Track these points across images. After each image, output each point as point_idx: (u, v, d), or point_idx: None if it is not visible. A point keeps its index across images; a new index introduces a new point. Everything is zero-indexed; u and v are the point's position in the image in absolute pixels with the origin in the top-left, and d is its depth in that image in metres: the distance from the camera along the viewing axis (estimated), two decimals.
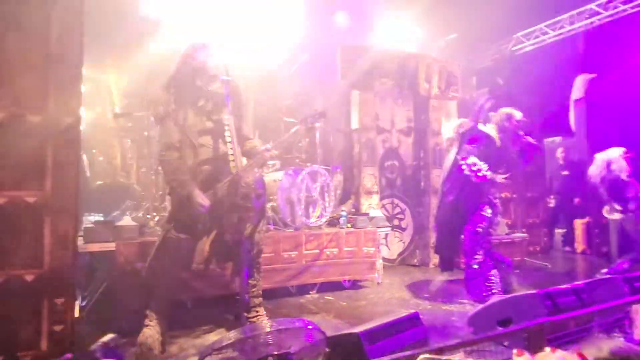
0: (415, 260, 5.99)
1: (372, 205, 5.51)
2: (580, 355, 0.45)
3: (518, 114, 4.02)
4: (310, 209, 4.57)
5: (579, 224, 7.09)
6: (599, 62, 6.89)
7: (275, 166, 5.09)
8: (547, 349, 0.48)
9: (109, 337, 1.50)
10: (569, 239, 7.31)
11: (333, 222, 4.80)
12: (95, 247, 3.43)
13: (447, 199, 4.18)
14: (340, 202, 5.37)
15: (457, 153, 4.13)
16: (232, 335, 1.45)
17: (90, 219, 4.44)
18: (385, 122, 5.99)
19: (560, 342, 2.43)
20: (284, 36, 6.00)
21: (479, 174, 3.79)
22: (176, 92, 2.77)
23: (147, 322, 2.63)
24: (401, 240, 6.02)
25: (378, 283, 4.72)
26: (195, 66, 2.78)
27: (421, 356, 0.52)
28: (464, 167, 3.85)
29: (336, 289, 4.44)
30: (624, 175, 4.76)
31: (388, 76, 5.83)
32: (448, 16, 6.39)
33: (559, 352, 0.46)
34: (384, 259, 5.43)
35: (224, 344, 1.39)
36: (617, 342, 0.77)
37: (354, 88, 5.69)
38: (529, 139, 4.00)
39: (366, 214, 4.97)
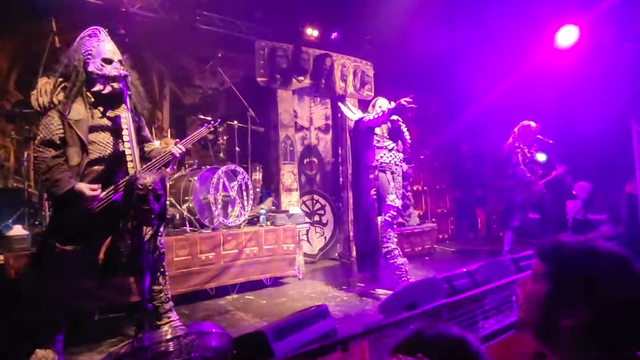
0: (337, 254, 6.19)
1: (291, 202, 5.57)
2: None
3: (381, 101, 4.36)
4: (229, 208, 4.50)
5: (480, 213, 7.84)
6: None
7: (192, 166, 4.92)
8: None
9: None
10: (472, 226, 8.05)
11: (253, 221, 4.79)
12: None
13: (366, 198, 4.30)
14: (259, 200, 5.36)
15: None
16: (125, 347, 1.40)
17: None
18: (303, 120, 6.08)
19: (459, 319, 2.70)
20: (200, 31, 5.82)
21: (377, 115, 4.02)
22: (65, 81, 2.54)
23: (40, 340, 2.40)
24: (322, 236, 6.18)
25: (299, 279, 4.81)
26: (87, 51, 2.57)
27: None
28: (366, 119, 4.09)
29: (257, 287, 4.44)
30: (513, 144, 5.22)
31: (305, 74, 5.92)
32: (363, 17, 6.64)
33: None
34: (306, 255, 5.53)
35: (115, 356, 1.34)
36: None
37: (271, 85, 5.69)
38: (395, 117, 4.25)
39: (286, 211, 5.02)
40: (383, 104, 4.27)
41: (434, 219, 7.06)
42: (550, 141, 5.30)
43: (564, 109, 6.13)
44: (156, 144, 3.04)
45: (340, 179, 6.32)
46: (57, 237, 2.45)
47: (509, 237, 5.30)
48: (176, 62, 6.34)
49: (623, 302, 0.86)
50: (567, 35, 6.24)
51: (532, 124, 5.27)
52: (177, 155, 2.73)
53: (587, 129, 5.95)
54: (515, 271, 3.52)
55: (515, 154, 5.20)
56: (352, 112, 4.59)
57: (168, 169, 4.28)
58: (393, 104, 3.95)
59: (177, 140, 2.81)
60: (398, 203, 4.19)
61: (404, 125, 4.26)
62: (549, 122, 5.67)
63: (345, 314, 3.58)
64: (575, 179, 5.78)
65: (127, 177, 2.36)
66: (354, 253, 5.89)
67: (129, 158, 2.42)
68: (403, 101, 3.75)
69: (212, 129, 2.93)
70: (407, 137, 4.30)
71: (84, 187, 2.41)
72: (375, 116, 4.01)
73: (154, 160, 2.68)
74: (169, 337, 1.54)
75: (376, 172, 4.17)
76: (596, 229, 5.83)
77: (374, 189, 4.16)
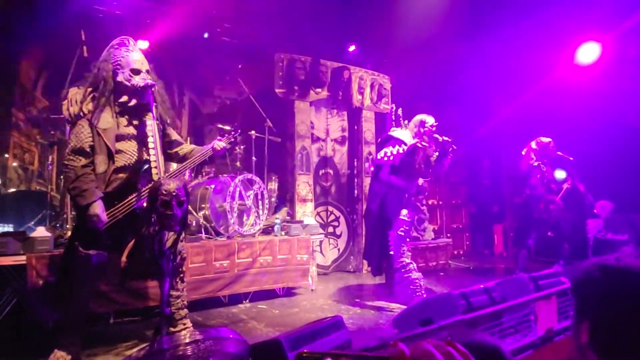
0: (350, 267, 6.14)
1: (306, 213, 5.57)
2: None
3: (430, 119, 4.19)
4: (244, 217, 4.54)
5: (497, 229, 7.71)
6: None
7: (209, 174, 4.99)
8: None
9: None
10: (488, 242, 7.92)
11: (267, 230, 4.80)
12: (3, 260, 3.14)
13: (370, 206, 4.36)
14: (274, 210, 5.39)
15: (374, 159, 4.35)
16: (144, 350, 1.41)
17: None
18: (320, 131, 6.12)
19: None
20: (220, 42, 5.95)
21: (390, 157, 3.90)
22: (98, 92, 2.62)
23: (59, 340, 2.44)
24: (336, 247, 6.15)
25: (312, 290, 4.79)
26: (116, 61, 2.65)
27: None
28: (379, 156, 3.98)
29: (270, 297, 4.44)
30: (533, 162, 5.14)
31: (323, 86, 5.97)
32: (381, 30, 6.69)
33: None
34: (319, 266, 5.51)
35: (135, 358, 1.35)
36: None
37: (289, 96, 5.76)
38: (445, 137, 4.17)
39: (300, 222, 5.03)
40: (432, 122, 4.18)
41: (449, 234, 6.98)
42: (571, 158, 5.22)
43: (585, 125, 6.03)
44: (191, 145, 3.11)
45: (356, 191, 6.31)
46: (81, 240, 2.51)
47: (523, 256, 5.20)
48: (196, 72, 6.49)
49: (620, 318, 0.85)
50: (588, 52, 6.18)
51: (550, 140, 5.21)
52: (219, 149, 2.82)
53: (609, 146, 5.84)
54: (534, 290, 3.44)
55: (535, 174, 5.13)
56: (395, 125, 4.44)
57: (186, 177, 4.36)
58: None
59: (219, 137, 2.89)
60: (409, 217, 4.17)
61: (453, 148, 4.20)
62: (570, 138, 5.59)
63: (358, 327, 3.54)
64: (596, 198, 5.66)
65: (151, 184, 2.41)
66: (367, 266, 5.85)
67: (153, 165, 2.47)
68: (444, 139, 4.02)
69: (232, 139, 3.03)
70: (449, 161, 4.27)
71: (96, 208, 2.43)
72: (395, 153, 3.90)
73: (198, 154, 2.77)
74: (187, 341, 1.54)
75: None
76: (617, 249, 5.67)
77: (390, 205, 4.16)
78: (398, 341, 0.58)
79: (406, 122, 4.41)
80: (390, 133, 4.27)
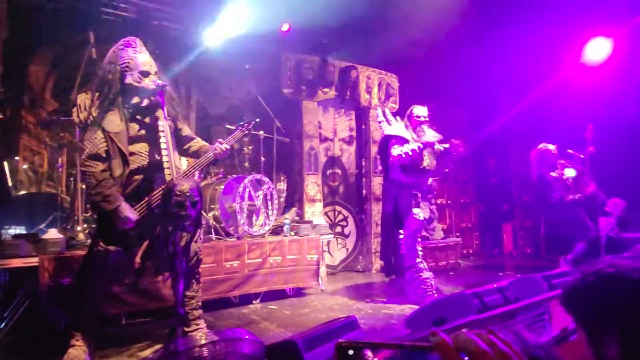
0: (359, 267, 6.12)
1: (315, 213, 5.56)
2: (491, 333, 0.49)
3: (418, 109, 4.12)
4: (254, 218, 4.53)
5: (506, 228, 7.65)
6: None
7: (217, 174, 4.99)
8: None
9: None
10: (497, 241, 7.85)
11: (277, 231, 4.79)
12: (15, 262, 3.16)
13: (385, 208, 4.35)
14: (284, 210, 5.38)
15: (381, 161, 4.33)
16: (160, 351, 1.40)
17: (10, 232, 4.08)
18: (327, 131, 6.10)
19: None
20: (227, 43, 5.95)
21: (409, 153, 3.83)
22: (104, 95, 2.60)
23: (72, 341, 2.44)
24: (344, 247, 6.13)
25: (322, 290, 4.77)
26: (124, 63, 2.63)
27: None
28: (395, 153, 3.91)
29: (280, 297, 4.43)
30: (542, 171, 5.15)
31: (330, 86, 5.95)
32: (388, 29, 6.66)
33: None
34: (327, 266, 5.50)
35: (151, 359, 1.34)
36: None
37: (297, 97, 5.75)
38: (444, 145, 4.13)
39: (309, 222, 5.01)
40: (420, 112, 4.15)
41: (458, 234, 6.93)
42: (582, 155, 5.16)
43: (596, 123, 5.96)
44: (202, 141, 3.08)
45: (364, 191, 6.28)
46: (103, 237, 2.51)
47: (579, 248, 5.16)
48: (203, 73, 6.49)
49: None
50: (598, 49, 6.09)
51: (550, 146, 5.19)
52: (219, 152, 2.75)
53: (621, 144, 5.77)
54: (548, 289, 3.40)
55: (557, 182, 5.12)
56: (387, 123, 4.31)
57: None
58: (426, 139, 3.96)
59: (220, 140, 2.85)
60: (422, 216, 4.13)
61: (453, 152, 4.17)
62: (581, 136, 5.52)
63: (370, 327, 3.52)
64: (608, 196, 5.58)
65: (164, 184, 2.39)
66: (376, 266, 5.82)
67: (166, 165, 2.46)
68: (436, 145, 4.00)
69: (247, 132, 2.99)
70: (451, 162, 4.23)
71: (124, 211, 2.44)
72: (405, 154, 3.86)
73: (199, 161, 2.74)
74: (203, 342, 1.53)
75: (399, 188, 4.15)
76: (630, 248, 5.59)
77: (402, 204, 4.13)
78: (438, 331, 0.56)
79: (398, 118, 4.37)
80: (387, 133, 4.19)
